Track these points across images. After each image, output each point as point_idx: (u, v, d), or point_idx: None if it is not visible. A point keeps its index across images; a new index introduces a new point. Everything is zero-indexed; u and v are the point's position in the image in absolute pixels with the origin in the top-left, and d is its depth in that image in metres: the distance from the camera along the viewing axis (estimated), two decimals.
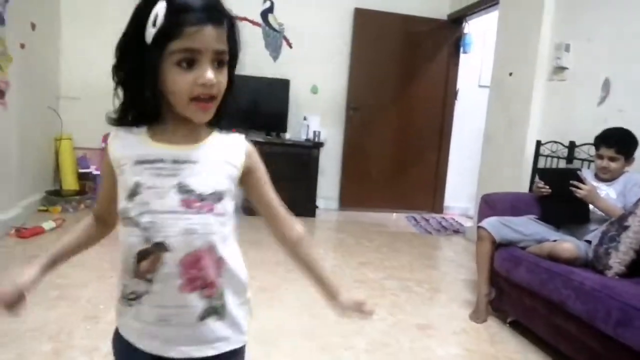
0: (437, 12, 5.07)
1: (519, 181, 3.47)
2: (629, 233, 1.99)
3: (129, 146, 0.83)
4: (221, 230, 0.83)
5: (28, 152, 3.71)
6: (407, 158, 5.25)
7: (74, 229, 0.95)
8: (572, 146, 3.08)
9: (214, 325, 0.85)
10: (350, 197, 5.14)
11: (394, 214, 5.13)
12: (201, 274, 0.81)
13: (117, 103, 0.83)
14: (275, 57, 4.88)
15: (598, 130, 2.47)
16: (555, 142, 3.22)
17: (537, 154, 3.35)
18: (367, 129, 5.07)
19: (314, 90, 5.00)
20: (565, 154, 3.11)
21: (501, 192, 2.99)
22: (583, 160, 2.94)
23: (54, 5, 4.29)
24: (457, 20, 5.05)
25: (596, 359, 1.87)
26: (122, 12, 0.89)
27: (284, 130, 4.75)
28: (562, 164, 3.11)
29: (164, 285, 0.81)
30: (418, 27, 5.03)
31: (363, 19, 4.90)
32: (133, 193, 0.80)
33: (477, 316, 2.51)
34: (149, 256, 0.79)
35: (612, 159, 2.37)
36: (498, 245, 2.47)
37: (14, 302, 0.86)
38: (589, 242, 2.22)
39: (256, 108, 4.52)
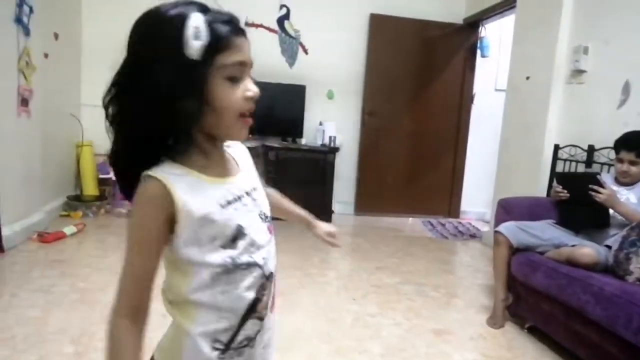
0: (453, 16, 5.06)
1: (537, 186, 3.43)
2: None
3: (198, 190, 0.71)
4: None
5: (50, 159, 3.81)
6: (423, 162, 5.23)
7: (123, 355, 0.75)
8: (591, 150, 3.03)
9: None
10: (366, 202, 5.13)
11: (410, 219, 5.11)
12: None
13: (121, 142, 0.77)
14: (291, 64, 4.92)
15: (618, 133, 2.44)
16: (574, 145, 3.18)
17: (555, 158, 3.31)
18: (383, 134, 5.07)
19: (330, 95, 5.02)
20: (584, 158, 3.07)
21: (518, 197, 2.97)
22: (602, 164, 2.90)
23: (76, 15, 4.40)
24: (473, 24, 5.02)
25: None
26: None
27: (300, 135, 4.78)
28: (581, 168, 3.07)
29: (268, 313, 0.81)
30: (434, 31, 5.02)
31: (378, 24, 4.91)
32: (234, 238, 0.74)
33: (494, 321, 2.48)
34: (265, 291, 0.78)
35: (632, 163, 2.33)
36: (515, 250, 2.45)
37: None
38: (608, 247, 2.19)
39: (272, 114, 4.56)
